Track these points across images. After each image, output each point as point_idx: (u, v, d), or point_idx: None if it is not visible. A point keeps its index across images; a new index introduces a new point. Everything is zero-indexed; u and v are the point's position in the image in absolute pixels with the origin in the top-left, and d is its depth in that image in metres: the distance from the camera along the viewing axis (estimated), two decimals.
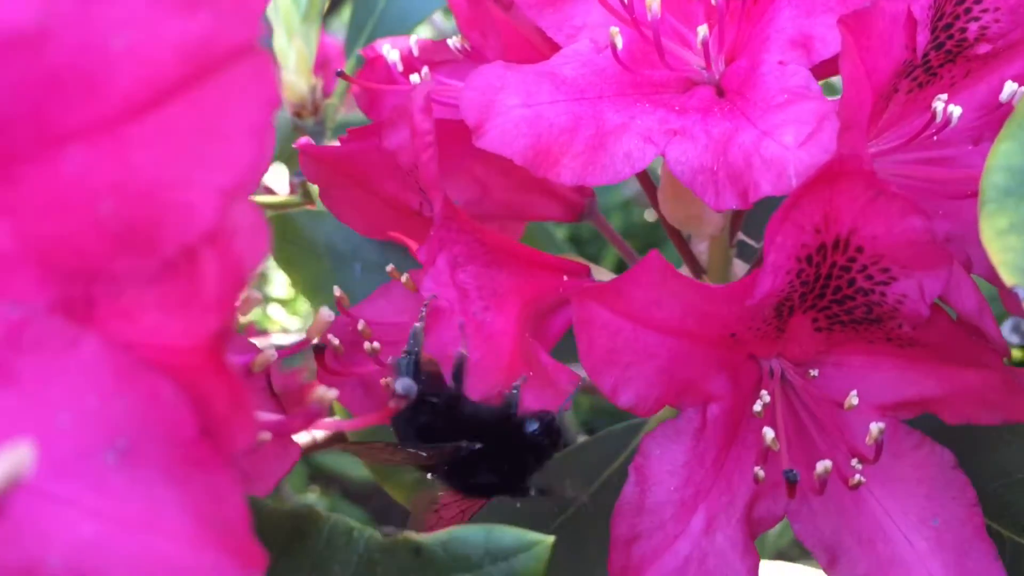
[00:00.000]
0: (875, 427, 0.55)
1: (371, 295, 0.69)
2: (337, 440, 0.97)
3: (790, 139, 0.49)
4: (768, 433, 0.55)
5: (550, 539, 0.45)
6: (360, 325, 0.63)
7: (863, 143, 0.52)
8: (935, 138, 0.56)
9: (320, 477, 1.62)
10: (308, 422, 0.47)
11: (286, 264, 0.83)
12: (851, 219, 0.49)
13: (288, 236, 0.83)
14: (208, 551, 0.31)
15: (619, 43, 0.56)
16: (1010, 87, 0.56)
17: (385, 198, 0.66)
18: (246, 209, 0.33)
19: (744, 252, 0.72)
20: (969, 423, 0.55)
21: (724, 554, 0.57)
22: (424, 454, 0.55)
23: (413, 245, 0.70)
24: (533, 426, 0.55)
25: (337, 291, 0.66)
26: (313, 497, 1.61)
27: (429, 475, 0.57)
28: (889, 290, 0.52)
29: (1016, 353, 0.93)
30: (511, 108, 0.54)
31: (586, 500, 0.69)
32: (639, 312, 0.52)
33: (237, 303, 0.34)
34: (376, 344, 0.62)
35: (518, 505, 0.57)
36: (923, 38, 0.54)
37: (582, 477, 0.70)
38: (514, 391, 0.55)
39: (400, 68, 0.69)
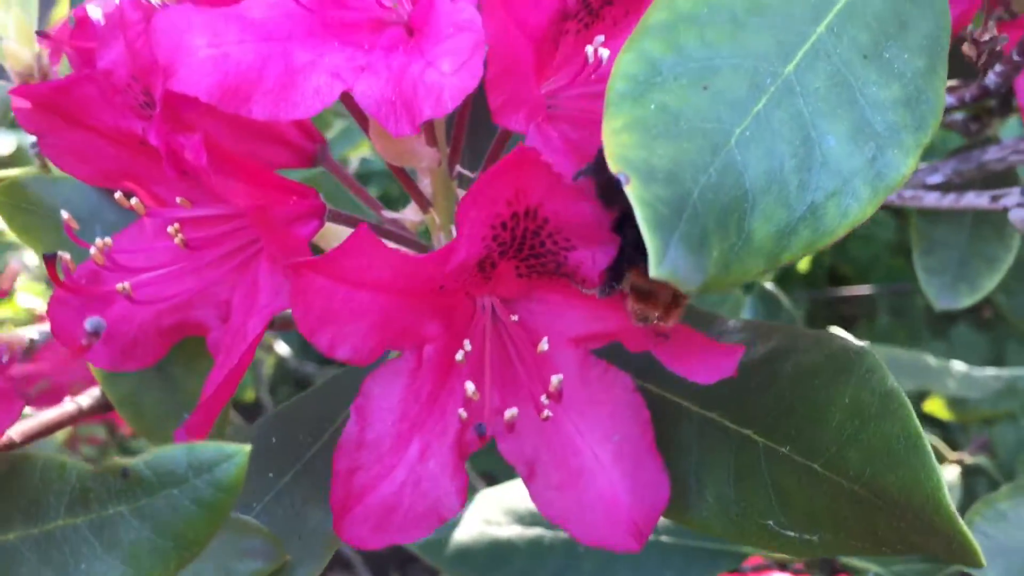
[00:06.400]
0: (555, 379, 0.62)
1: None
2: (103, 408, 0.97)
3: (447, 67, 0.54)
4: (469, 387, 0.63)
5: (247, 448, 0.48)
6: (93, 249, 0.66)
7: (528, 86, 0.57)
8: (594, 76, 0.62)
9: None
10: None
11: (22, 232, 0.82)
12: (538, 196, 0.56)
13: (21, 204, 0.82)
14: None
15: None
16: None
17: (107, 133, 0.66)
18: None
19: (465, 183, 0.77)
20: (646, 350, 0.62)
21: (436, 477, 0.64)
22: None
23: (143, 193, 0.71)
24: None
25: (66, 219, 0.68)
26: None
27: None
28: (570, 256, 0.60)
29: None
30: (198, 48, 0.56)
31: (317, 449, 0.72)
32: (352, 275, 0.57)
33: None
34: (127, 284, 0.65)
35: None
36: None
37: (313, 426, 0.74)
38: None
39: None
